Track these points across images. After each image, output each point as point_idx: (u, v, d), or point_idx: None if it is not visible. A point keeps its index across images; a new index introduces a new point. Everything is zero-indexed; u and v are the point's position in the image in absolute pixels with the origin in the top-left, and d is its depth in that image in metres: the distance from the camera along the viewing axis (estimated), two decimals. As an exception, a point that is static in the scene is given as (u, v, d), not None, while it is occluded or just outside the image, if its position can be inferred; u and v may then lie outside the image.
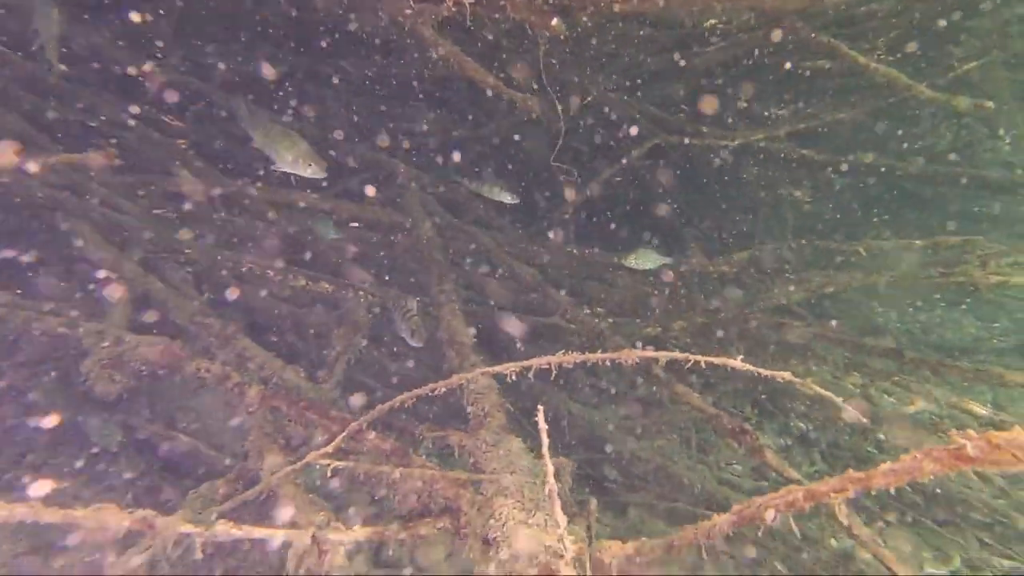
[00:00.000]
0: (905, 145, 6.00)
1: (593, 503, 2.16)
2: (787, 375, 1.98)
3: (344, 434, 1.84)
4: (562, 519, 1.79)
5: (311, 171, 3.00)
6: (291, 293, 2.99)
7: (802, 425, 4.81)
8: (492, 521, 1.93)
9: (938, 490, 4.02)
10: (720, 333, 4.34)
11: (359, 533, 1.74)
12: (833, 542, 3.68)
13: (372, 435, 2.09)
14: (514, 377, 1.96)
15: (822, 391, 2.09)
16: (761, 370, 1.97)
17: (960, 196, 5.54)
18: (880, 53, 4.82)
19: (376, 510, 2.33)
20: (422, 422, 2.64)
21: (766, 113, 5.32)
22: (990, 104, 3.77)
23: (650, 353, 2.01)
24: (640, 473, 4.06)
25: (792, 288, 4.57)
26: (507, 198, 4.28)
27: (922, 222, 5.97)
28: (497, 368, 1.94)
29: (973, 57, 4.64)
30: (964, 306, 6.93)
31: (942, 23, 4.57)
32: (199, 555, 1.56)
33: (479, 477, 2.05)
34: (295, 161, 2.98)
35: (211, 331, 2.50)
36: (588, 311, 4.04)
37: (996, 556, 3.78)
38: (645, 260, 4.03)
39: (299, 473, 1.89)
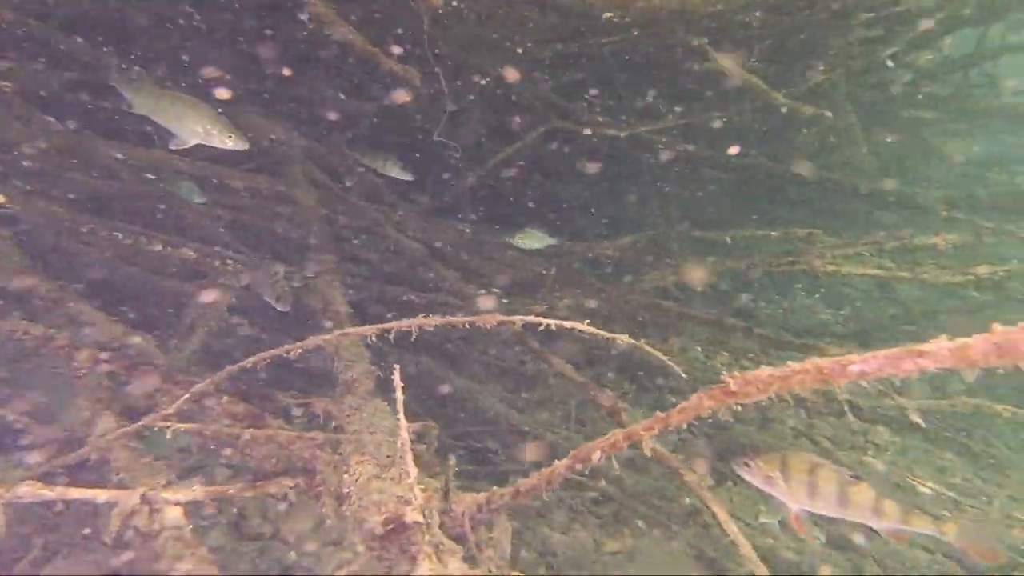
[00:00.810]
0: (775, 147, 6.67)
1: (452, 460, 2.26)
2: (625, 338, 2.19)
3: (187, 396, 1.81)
4: (413, 470, 1.88)
5: (231, 143, 2.72)
6: (148, 258, 2.80)
7: (673, 399, 5.26)
8: (347, 477, 1.98)
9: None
10: (603, 312, 4.62)
11: (198, 492, 1.72)
12: (687, 500, 4.07)
13: (224, 399, 2.05)
14: (374, 339, 2.01)
15: (658, 354, 2.33)
16: (602, 332, 2.16)
17: (816, 195, 6.25)
18: (753, 60, 5.30)
19: (230, 474, 2.29)
20: (291, 392, 2.62)
21: (654, 107, 5.67)
22: (829, 114, 4.29)
23: (505, 318, 2.14)
24: (521, 444, 4.27)
25: (670, 272, 4.95)
26: (399, 174, 4.27)
27: (784, 217, 6.65)
28: (356, 330, 1.98)
29: (826, 71, 5.24)
30: (818, 295, 7.85)
31: (802, 38, 5.12)
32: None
33: (336, 437, 2.09)
34: (207, 134, 2.70)
35: (36, 293, 2.30)
36: (477, 288, 4.15)
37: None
38: (532, 240, 4.20)
39: (137, 438, 1.83)
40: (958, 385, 5.29)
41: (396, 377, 1.81)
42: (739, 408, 4.78)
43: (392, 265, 3.99)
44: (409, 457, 1.87)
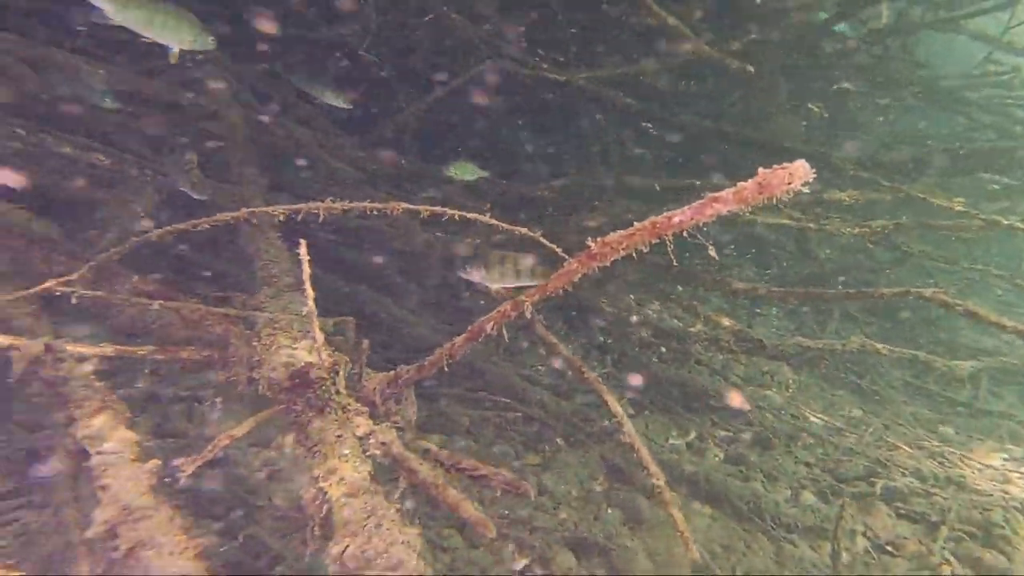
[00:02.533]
0: (707, 104, 6.98)
1: (365, 344, 2.45)
2: (523, 229, 2.41)
3: (90, 264, 1.91)
4: (320, 336, 2.06)
5: (198, 44, 2.73)
6: (55, 162, 2.76)
7: (601, 338, 5.60)
8: (258, 347, 2.14)
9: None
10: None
11: (106, 349, 1.85)
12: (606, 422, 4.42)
13: (135, 278, 2.16)
14: (283, 218, 2.14)
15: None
16: (504, 225, 2.37)
17: (734, 152, 6.59)
18: (697, 18, 5.51)
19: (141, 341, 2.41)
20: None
21: (598, 59, 5.84)
22: (751, 68, 4.57)
23: (413, 207, 2.31)
24: (453, 370, 4.51)
25: (600, 215, 5.22)
26: (337, 102, 4.31)
27: (704, 171, 7.01)
28: (265, 209, 2.11)
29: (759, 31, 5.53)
30: (748, 256, 8.37)
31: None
32: None
33: (250, 314, 2.24)
34: (193, 41, 2.70)
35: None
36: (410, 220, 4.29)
37: (720, 430, 4.86)
38: (465, 172, 4.34)
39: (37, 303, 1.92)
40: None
41: (303, 250, 1.97)
42: (664, 350, 5.15)
43: (328, 191, 4.08)
44: (315, 325, 2.05)
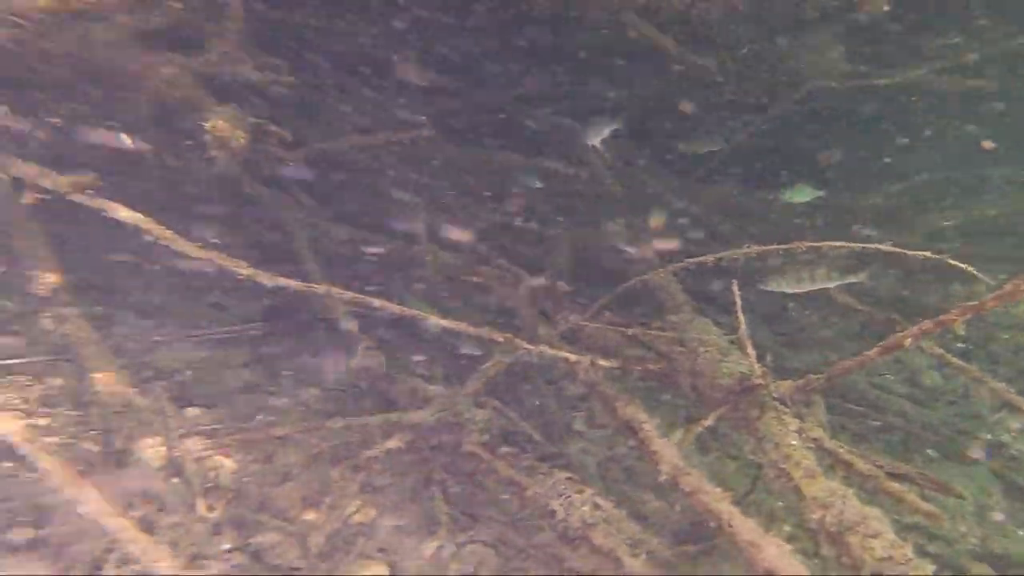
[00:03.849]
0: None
1: (768, 358, 2.97)
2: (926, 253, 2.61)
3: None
4: (752, 352, 2.65)
5: None
6: None
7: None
8: (699, 360, 2.85)
9: None
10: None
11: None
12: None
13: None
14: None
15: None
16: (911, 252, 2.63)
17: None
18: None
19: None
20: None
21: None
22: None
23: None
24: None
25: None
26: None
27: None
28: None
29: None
30: None
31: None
32: None
33: (681, 335, 2.96)
34: None
35: None
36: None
37: None
38: (799, 195, 4.51)
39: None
40: None
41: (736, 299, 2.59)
42: None
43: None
44: (748, 342, 2.66)
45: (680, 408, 3.36)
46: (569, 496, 2.59)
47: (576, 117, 5.08)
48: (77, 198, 2.08)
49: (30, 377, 2.48)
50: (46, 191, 2.14)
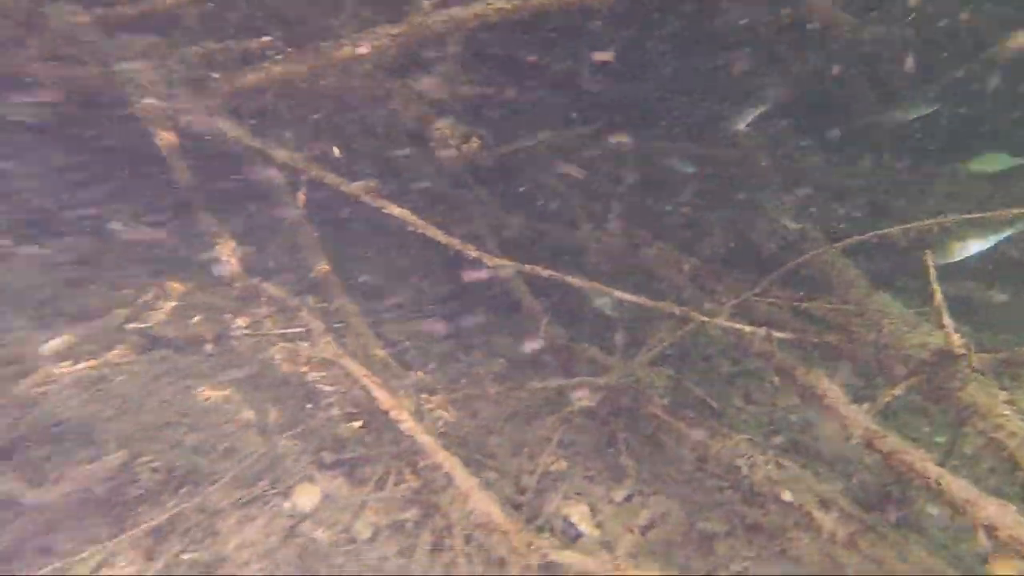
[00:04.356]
0: None
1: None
2: None
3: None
4: (949, 322, 2.61)
5: None
6: None
7: None
8: (882, 332, 2.85)
9: None
10: None
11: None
12: None
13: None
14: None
15: None
16: None
17: None
18: None
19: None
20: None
21: None
22: None
23: None
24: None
25: None
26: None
27: None
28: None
29: None
30: None
31: None
32: None
33: (860, 308, 2.96)
34: None
35: None
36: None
37: None
38: (990, 163, 4.17)
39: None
40: None
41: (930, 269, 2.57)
42: None
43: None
44: (945, 311, 2.63)
45: (862, 379, 3.35)
46: (752, 456, 2.75)
47: (730, 101, 5.13)
48: (366, 199, 2.69)
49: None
50: (340, 195, 2.78)
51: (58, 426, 2.12)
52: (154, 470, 2.01)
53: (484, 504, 2.01)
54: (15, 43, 2.62)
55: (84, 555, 1.68)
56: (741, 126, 5.07)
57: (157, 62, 2.59)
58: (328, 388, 2.76)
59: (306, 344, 2.80)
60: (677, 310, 3.04)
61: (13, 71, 2.71)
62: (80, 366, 2.36)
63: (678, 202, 4.54)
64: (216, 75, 2.70)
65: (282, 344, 2.66)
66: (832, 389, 2.73)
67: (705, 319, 3.00)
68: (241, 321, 2.87)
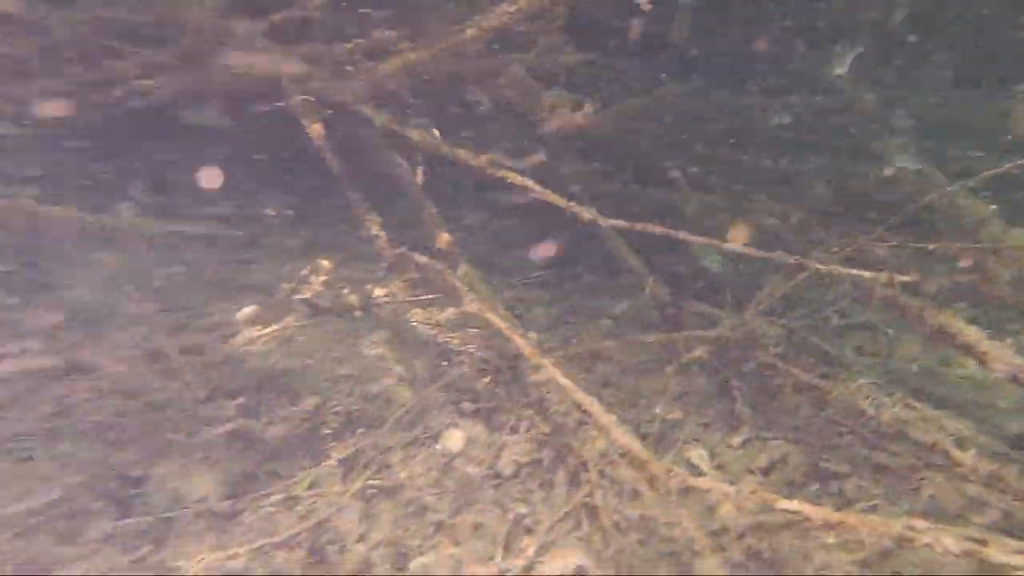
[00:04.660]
0: None
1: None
2: None
3: None
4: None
5: None
6: None
7: None
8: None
9: None
10: None
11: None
12: None
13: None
14: None
15: None
16: None
17: None
18: None
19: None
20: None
21: None
22: None
23: None
24: None
25: None
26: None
27: None
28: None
29: None
30: None
31: None
32: None
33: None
34: None
35: None
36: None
37: None
38: None
39: None
40: None
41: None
42: None
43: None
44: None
45: (996, 317, 3.20)
46: (877, 398, 2.75)
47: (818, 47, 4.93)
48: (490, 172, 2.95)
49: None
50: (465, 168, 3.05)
51: (263, 377, 2.54)
52: (336, 414, 2.39)
53: (623, 438, 2.19)
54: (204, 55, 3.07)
55: (297, 479, 2.07)
56: (840, 71, 4.85)
57: (311, 62, 2.96)
58: (460, 347, 3.04)
59: (436, 309, 3.09)
60: (791, 260, 3.04)
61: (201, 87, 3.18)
62: (268, 330, 2.79)
63: (778, 153, 4.44)
64: (352, 68, 3.02)
65: (417, 309, 2.97)
66: (968, 327, 2.66)
67: (820, 267, 2.99)
68: (380, 291, 3.22)
